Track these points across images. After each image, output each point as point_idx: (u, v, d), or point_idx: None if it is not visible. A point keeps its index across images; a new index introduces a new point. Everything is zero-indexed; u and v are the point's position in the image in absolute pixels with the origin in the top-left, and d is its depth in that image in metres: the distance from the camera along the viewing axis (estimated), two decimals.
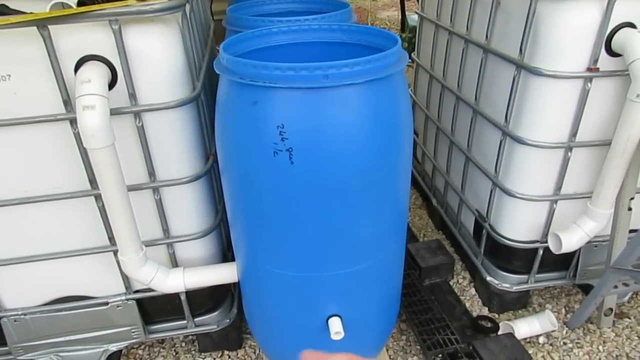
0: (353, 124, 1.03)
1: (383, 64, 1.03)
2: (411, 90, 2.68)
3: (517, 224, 1.73)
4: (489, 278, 1.86)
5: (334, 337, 1.22)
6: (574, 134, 1.53)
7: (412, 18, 4.00)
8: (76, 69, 1.13)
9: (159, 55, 1.24)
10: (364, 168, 1.07)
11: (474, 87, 1.84)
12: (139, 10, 1.15)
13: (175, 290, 1.43)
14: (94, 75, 1.09)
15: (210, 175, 1.51)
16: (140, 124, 1.27)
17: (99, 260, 1.46)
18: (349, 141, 1.03)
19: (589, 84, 1.44)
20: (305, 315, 1.28)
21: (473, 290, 1.98)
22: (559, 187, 1.62)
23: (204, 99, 1.54)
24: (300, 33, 1.36)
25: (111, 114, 1.12)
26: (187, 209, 1.45)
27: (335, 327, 1.23)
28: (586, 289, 1.94)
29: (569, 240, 1.57)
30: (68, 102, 1.19)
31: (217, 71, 1.11)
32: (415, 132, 2.66)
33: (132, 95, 1.24)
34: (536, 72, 1.46)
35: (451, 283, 2.01)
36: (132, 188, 1.34)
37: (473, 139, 1.91)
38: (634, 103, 1.35)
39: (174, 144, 1.35)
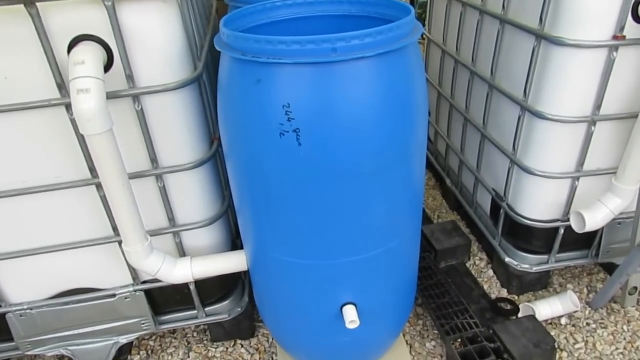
0: (364, 100, 0.95)
1: (396, 34, 0.95)
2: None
3: (537, 203, 1.66)
4: (507, 259, 1.79)
5: (349, 325, 1.17)
6: (597, 107, 1.44)
7: None
8: (69, 50, 1.07)
9: (157, 34, 1.17)
10: (376, 148, 1.00)
11: (489, 61, 1.74)
12: None
13: (183, 280, 1.38)
14: (88, 56, 1.02)
15: (216, 159, 1.45)
16: (140, 107, 1.21)
17: (104, 251, 1.42)
18: (360, 119, 0.96)
19: (614, 53, 1.35)
20: (318, 304, 1.22)
21: (491, 272, 1.92)
22: (581, 163, 1.54)
23: (207, 80, 1.47)
24: (305, 6, 1.28)
25: (108, 97, 1.06)
26: (193, 196, 1.40)
27: (350, 315, 1.17)
28: (608, 267, 1.88)
29: (593, 219, 1.49)
30: (62, 86, 1.13)
31: (217, 48, 1.04)
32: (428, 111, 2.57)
33: (130, 77, 1.17)
34: (558, 42, 1.37)
35: (468, 265, 1.95)
36: (133, 175, 1.29)
37: (489, 115, 1.82)
38: None
39: (176, 128, 1.29)
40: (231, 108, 1.06)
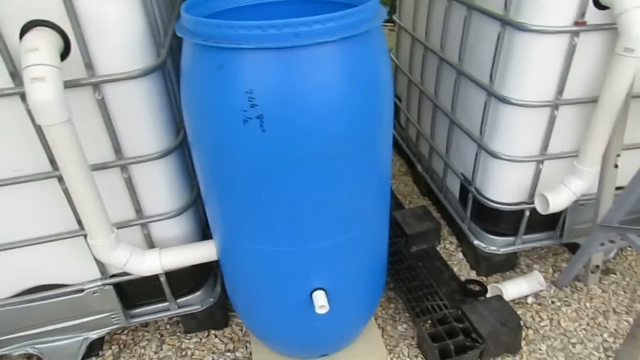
0: (328, 86, 0.95)
1: (359, 19, 0.95)
2: (393, 54, 2.59)
3: (503, 186, 1.70)
4: (476, 242, 1.83)
5: (319, 310, 1.17)
6: (560, 91, 1.47)
7: None
8: (21, 36, 1.02)
9: (117, 20, 1.14)
10: (341, 134, 1.00)
11: (457, 48, 1.76)
12: None
13: (152, 272, 1.36)
14: (42, 43, 0.99)
15: (183, 148, 1.43)
16: (100, 96, 1.18)
17: (70, 246, 1.38)
18: (324, 105, 0.96)
19: (575, 39, 1.38)
20: (288, 291, 1.23)
21: (460, 255, 1.96)
22: (545, 146, 1.58)
23: (172, 67, 1.44)
24: None
25: (66, 86, 1.02)
26: (160, 187, 1.37)
27: (320, 300, 1.18)
28: (573, 248, 1.94)
29: (556, 200, 1.53)
30: (16, 75, 1.09)
31: (178, 34, 1.01)
32: (398, 97, 2.59)
33: (89, 65, 1.14)
34: (522, 28, 1.39)
35: (438, 249, 1.98)
36: (97, 167, 1.26)
37: (457, 101, 1.84)
38: (621, 57, 1.29)
39: (140, 118, 1.26)
40: (194, 95, 1.04)
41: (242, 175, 1.04)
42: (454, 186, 2.00)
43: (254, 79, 0.93)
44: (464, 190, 1.89)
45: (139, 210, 1.37)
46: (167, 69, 1.35)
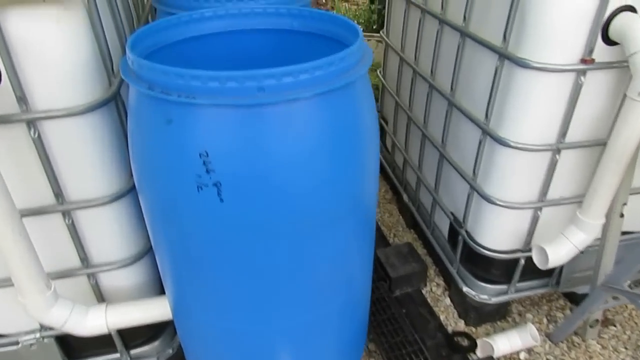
0: (300, 149, 0.79)
1: (339, 68, 0.79)
2: (380, 72, 2.44)
3: (497, 233, 1.55)
4: (465, 289, 1.68)
5: None
6: (563, 134, 1.33)
7: None
8: None
9: (56, 47, 0.97)
10: (315, 203, 0.84)
11: (449, 76, 1.61)
12: None
13: (97, 333, 1.19)
14: None
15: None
16: (36, 134, 1.01)
17: (2, 293, 1.20)
18: (295, 171, 0.80)
19: (582, 78, 1.24)
20: None
21: (448, 300, 1.81)
22: (544, 192, 1.44)
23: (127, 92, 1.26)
24: (239, 18, 1.10)
25: None
26: (109, 232, 1.20)
27: None
28: (569, 294, 1.80)
29: (556, 255, 1.39)
30: None
31: (122, 75, 0.85)
32: (385, 119, 2.44)
33: (22, 99, 0.96)
34: (522, 64, 1.25)
35: (424, 291, 1.83)
36: (33, 212, 1.09)
37: (448, 133, 1.69)
38: (634, 102, 1.15)
39: (86, 157, 1.09)
40: (141, 145, 0.88)
41: (195, 243, 0.88)
42: (443, 223, 1.85)
43: (209, 139, 0.76)
44: (454, 231, 1.74)
45: (84, 258, 1.20)
46: (121, 98, 1.17)
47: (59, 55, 0.98)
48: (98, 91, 1.06)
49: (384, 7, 2.44)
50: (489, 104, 1.40)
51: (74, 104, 1.01)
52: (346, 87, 0.81)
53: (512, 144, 1.35)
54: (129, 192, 1.18)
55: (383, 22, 2.35)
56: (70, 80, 1.00)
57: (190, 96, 0.73)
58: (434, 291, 1.85)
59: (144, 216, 1.02)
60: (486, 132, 1.43)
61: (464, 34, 1.49)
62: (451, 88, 1.60)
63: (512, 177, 1.43)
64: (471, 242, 1.60)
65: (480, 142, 1.47)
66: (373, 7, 3.69)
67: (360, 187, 0.90)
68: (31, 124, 0.99)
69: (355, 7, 4.33)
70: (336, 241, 0.91)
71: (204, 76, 0.72)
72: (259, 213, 0.81)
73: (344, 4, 4.44)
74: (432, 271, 1.93)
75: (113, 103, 1.12)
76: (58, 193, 1.09)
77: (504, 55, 1.30)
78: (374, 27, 3.55)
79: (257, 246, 0.85)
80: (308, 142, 0.79)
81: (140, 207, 1.26)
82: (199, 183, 0.79)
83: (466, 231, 1.64)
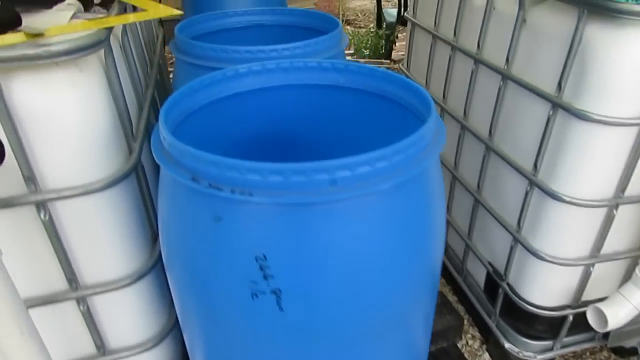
0: (375, 250, 0.66)
1: (419, 148, 0.66)
2: None
3: (544, 289, 1.43)
4: (507, 345, 1.56)
5: None
6: (622, 189, 1.22)
7: (389, 12, 3.59)
8: None
9: (70, 114, 0.84)
10: (385, 309, 0.71)
11: (486, 119, 1.49)
12: (25, 56, 0.74)
13: None
14: None
15: (159, 265, 1.12)
16: (47, 216, 0.87)
17: None
18: (367, 276, 0.67)
19: None
20: None
21: (486, 355, 1.68)
22: (598, 248, 1.32)
23: (148, 157, 1.13)
24: (278, 73, 0.98)
25: None
26: (129, 315, 1.07)
27: None
28: (615, 347, 1.68)
29: (615, 318, 1.27)
30: None
31: (157, 160, 0.71)
32: None
33: (30, 179, 0.83)
34: (581, 116, 1.14)
35: (460, 345, 1.70)
36: (44, 301, 0.95)
37: (485, 179, 1.58)
38: None
39: (104, 237, 0.96)
40: (178, 240, 0.74)
41: (240, 351, 0.74)
42: (477, 272, 1.73)
43: (268, 241, 0.63)
44: (491, 282, 1.62)
45: (100, 346, 1.05)
46: (141, 163, 1.04)
47: (73, 125, 0.85)
48: (118, 162, 0.93)
49: (392, 33, 2.35)
50: (538, 154, 1.29)
51: (91, 180, 0.88)
52: (422, 172, 0.69)
53: (566, 198, 1.24)
54: (151, 270, 1.04)
55: (391, 48, 2.24)
56: (86, 152, 0.87)
57: (247, 192, 0.61)
58: (470, 345, 1.73)
59: (172, 290, 0.88)
60: (535, 184, 1.31)
61: (506, 77, 1.38)
62: (489, 133, 1.49)
63: (564, 232, 1.31)
64: (515, 298, 1.48)
65: (527, 193, 1.35)
66: (380, 32, 3.58)
67: (430, 287, 0.78)
68: (41, 205, 0.86)
69: (361, 30, 4.21)
70: (401, 345, 0.78)
71: (264, 169, 0.60)
72: (326, 322, 0.68)
73: (347, 27, 4.34)
74: (465, 321, 1.80)
75: (134, 174, 0.99)
76: (71, 278, 0.95)
77: (558, 105, 1.19)
78: (382, 52, 3.45)
79: (316, 354, 0.72)
80: (380, 239, 0.66)
81: (160, 282, 1.13)
82: (254, 290, 0.66)
83: (508, 284, 1.52)
